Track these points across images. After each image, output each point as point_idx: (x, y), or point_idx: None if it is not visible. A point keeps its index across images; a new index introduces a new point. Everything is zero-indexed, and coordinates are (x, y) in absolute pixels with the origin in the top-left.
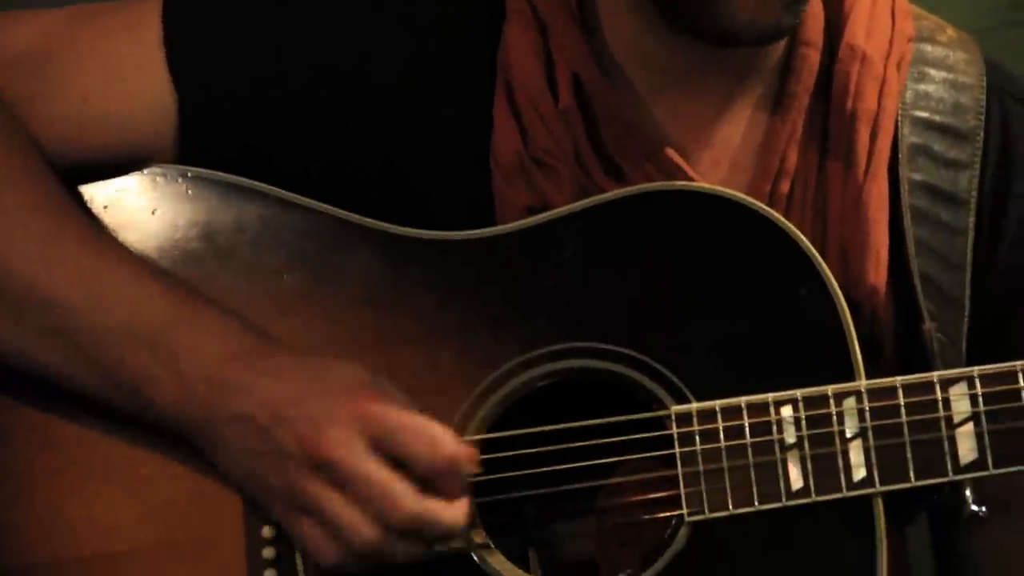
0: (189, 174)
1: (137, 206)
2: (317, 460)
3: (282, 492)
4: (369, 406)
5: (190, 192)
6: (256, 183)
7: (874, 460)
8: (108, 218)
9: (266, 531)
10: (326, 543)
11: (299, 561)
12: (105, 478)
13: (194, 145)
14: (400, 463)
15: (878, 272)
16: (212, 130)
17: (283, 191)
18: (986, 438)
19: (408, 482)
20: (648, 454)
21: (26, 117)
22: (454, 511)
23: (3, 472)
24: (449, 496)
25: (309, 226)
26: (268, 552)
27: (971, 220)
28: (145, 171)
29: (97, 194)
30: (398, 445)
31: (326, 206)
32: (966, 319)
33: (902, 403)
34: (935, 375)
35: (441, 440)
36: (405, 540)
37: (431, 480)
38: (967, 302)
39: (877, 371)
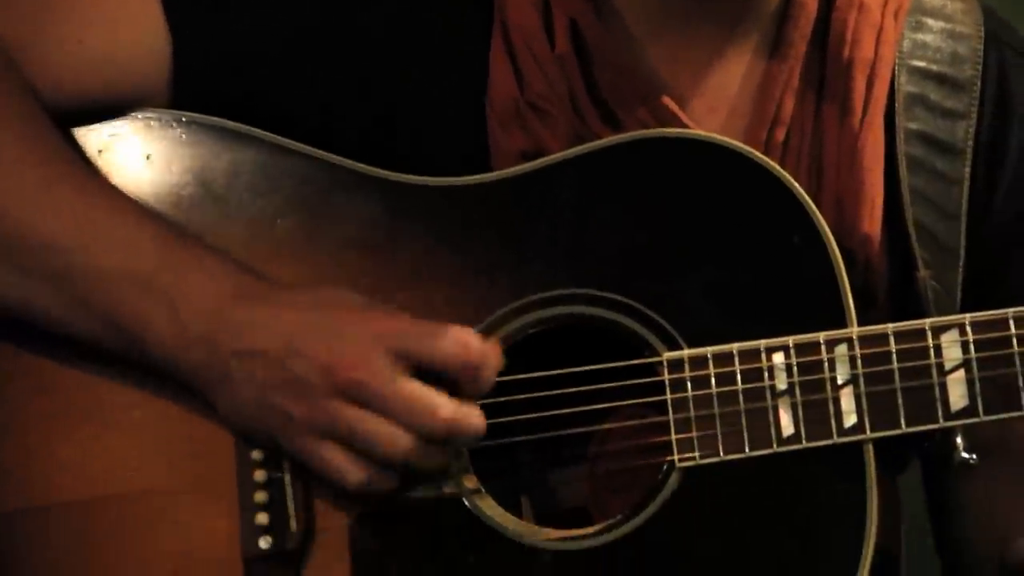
0: (184, 119)
1: (131, 151)
2: (342, 384)
3: (304, 421)
4: (384, 322)
5: (184, 137)
6: (251, 128)
7: (865, 407)
8: (102, 163)
9: (258, 475)
10: (353, 464)
11: (290, 504)
12: (99, 422)
13: (188, 90)
14: (420, 375)
15: (872, 221)
16: (207, 75)
17: (278, 136)
18: (977, 385)
19: (437, 390)
20: (640, 400)
21: (22, 61)
22: (481, 416)
23: (1, 416)
24: (476, 397)
25: (304, 172)
26: (260, 495)
27: (967, 170)
28: (139, 116)
29: (91, 139)
30: (427, 351)
31: (321, 152)
32: (961, 268)
33: (893, 350)
34: (927, 322)
35: (469, 339)
36: (437, 449)
37: (458, 381)
38: (962, 251)
39: (870, 320)
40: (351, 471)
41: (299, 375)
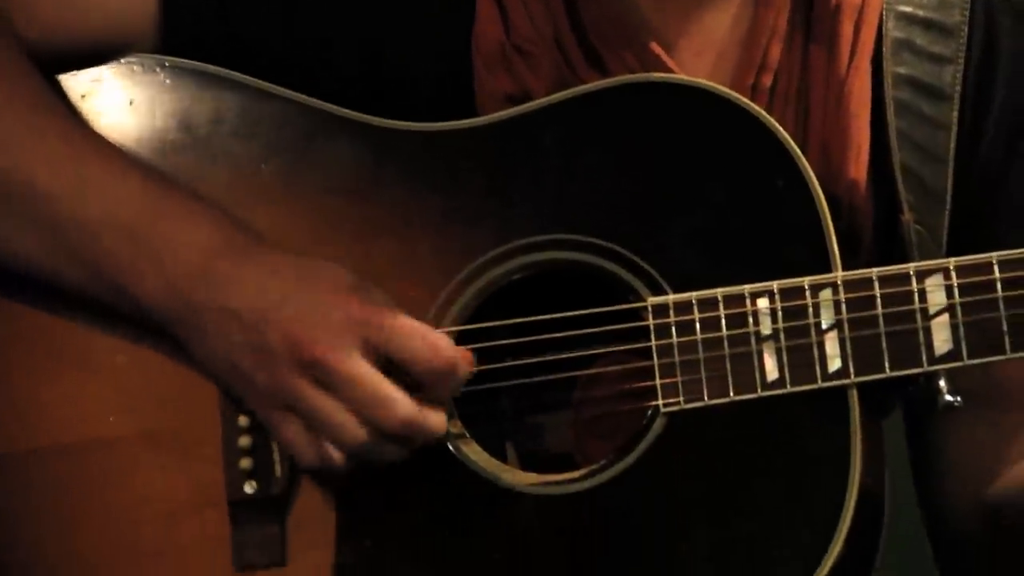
0: (167, 64)
1: (114, 97)
2: (307, 361)
3: (266, 390)
4: (364, 309)
5: (167, 82)
6: (234, 73)
7: (849, 351)
8: (85, 109)
9: (242, 420)
10: (309, 444)
11: (275, 449)
12: (83, 367)
13: (174, 33)
14: (389, 370)
15: (858, 166)
16: (192, 18)
17: (262, 82)
18: (961, 329)
19: (399, 387)
20: (624, 346)
21: (8, 7)
22: (441, 417)
23: None
24: (439, 401)
25: (288, 117)
26: (244, 440)
27: (955, 114)
28: (122, 61)
29: (74, 85)
30: (397, 348)
31: (305, 97)
32: (947, 212)
33: (878, 294)
34: (911, 266)
35: (441, 343)
36: (392, 444)
37: (424, 385)
38: (948, 196)
39: (855, 265)
40: (304, 450)
41: (268, 343)
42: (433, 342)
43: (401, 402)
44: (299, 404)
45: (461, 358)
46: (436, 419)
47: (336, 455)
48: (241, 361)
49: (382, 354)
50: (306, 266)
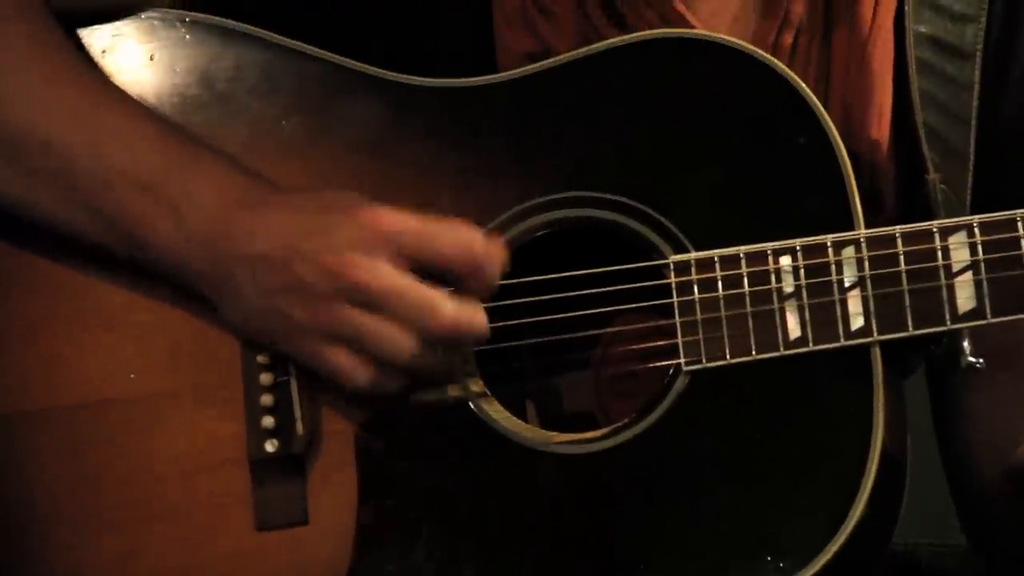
0: (187, 19)
1: (135, 52)
2: (344, 286)
3: (308, 325)
4: (388, 221)
5: (188, 38)
6: (254, 29)
7: (872, 309)
8: (106, 63)
9: (264, 378)
10: (361, 366)
11: (296, 408)
12: (104, 324)
13: None
14: (424, 275)
15: (880, 126)
16: None
17: (282, 38)
18: (985, 286)
19: (442, 290)
20: (646, 304)
21: None
22: (484, 315)
23: (1, 318)
24: (479, 296)
25: (309, 73)
26: (266, 399)
27: (977, 73)
28: (143, 16)
29: (95, 39)
30: (428, 251)
31: (326, 53)
32: (971, 171)
33: (901, 252)
34: (934, 224)
35: (472, 237)
36: (442, 350)
37: (463, 283)
38: (972, 155)
39: (878, 225)
40: (357, 373)
41: (301, 278)
42: (463, 236)
43: (445, 303)
44: (344, 330)
45: (496, 250)
46: (480, 316)
47: (388, 371)
48: (276, 303)
49: (415, 260)
50: (321, 197)
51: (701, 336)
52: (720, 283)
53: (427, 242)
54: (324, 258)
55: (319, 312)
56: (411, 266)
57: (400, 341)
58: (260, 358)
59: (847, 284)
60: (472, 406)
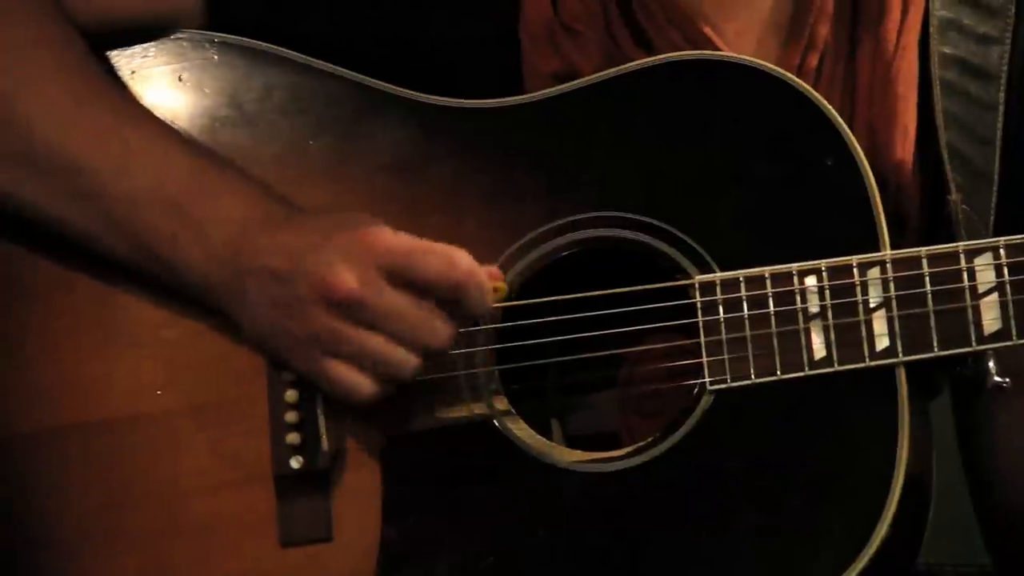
0: (216, 40)
1: (164, 73)
2: (337, 301)
3: (306, 339)
4: (378, 238)
5: (216, 58)
6: (283, 50)
7: (897, 330)
8: (135, 84)
9: (289, 395)
10: (360, 379)
11: (322, 424)
12: (130, 341)
13: (223, 9)
14: (422, 292)
15: (905, 147)
16: None
17: (310, 58)
18: (1011, 307)
19: (436, 306)
20: (671, 323)
21: None
22: (443, 333)
23: (28, 333)
24: (472, 315)
25: (336, 93)
26: (291, 415)
27: (1001, 95)
28: (171, 37)
29: (124, 61)
30: (415, 269)
31: (353, 73)
32: (995, 193)
33: (926, 273)
34: (960, 245)
35: (456, 256)
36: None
37: (455, 301)
38: (996, 176)
39: (902, 247)
40: (360, 384)
41: (299, 295)
42: (447, 255)
43: (440, 320)
44: (343, 347)
45: (480, 270)
46: (441, 333)
47: (390, 384)
48: (279, 317)
49: (403, 278)
50: (332, 218)
51: (726, 356)
52: (745, 303)
53: (413, 262)
54: (320, 273)
55: (313, 326)
56: (405, 285)
57: (401, 358)
58: (285, 374)
59: (872, 305)
60: (497, 424)
